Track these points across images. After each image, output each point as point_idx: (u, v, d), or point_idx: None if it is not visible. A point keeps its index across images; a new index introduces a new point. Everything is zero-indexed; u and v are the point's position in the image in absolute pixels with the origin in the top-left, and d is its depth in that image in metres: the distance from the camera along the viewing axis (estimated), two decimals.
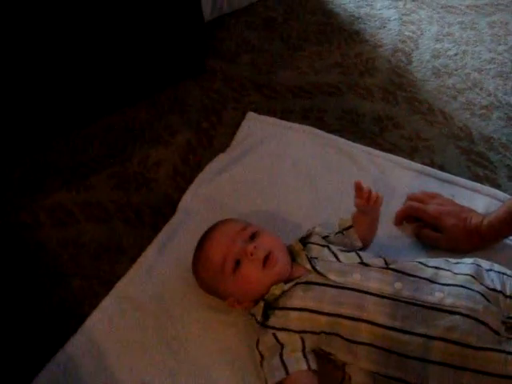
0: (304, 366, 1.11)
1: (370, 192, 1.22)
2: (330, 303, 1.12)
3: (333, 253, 1.21)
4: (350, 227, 1.29)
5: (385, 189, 1.50)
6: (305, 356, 1.12)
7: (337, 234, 1.30)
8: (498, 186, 1.52)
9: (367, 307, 1.10)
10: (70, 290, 1.38)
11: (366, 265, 1.17)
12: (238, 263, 1.18)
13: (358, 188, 1.23)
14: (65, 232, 1.49)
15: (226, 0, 2.04)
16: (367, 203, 1.23)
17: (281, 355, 1.13)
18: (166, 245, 1.43)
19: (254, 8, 2.13)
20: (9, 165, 1.64)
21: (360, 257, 1.20)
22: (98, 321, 1.30)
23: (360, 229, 1.29)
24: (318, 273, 1.17)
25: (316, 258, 1.20)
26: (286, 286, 1.17)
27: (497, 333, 1.05)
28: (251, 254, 1.16)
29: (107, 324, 1.30)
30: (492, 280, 1.13)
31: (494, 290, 1.11)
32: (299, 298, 1.15)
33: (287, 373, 1.10)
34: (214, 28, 2.04)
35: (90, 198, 1.56)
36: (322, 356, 1.17)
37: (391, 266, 1.16)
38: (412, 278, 1.13)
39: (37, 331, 1.32)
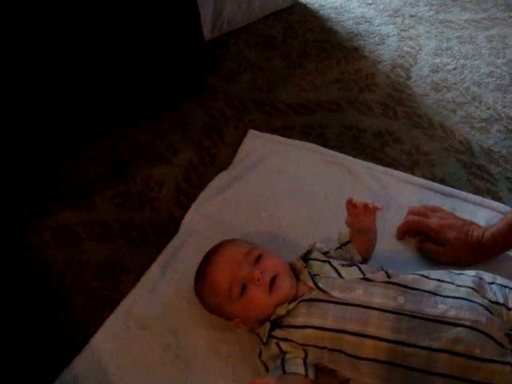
0: (302, 371, 1.12)
1: (364, 205, 1.24)
2: (333, 319, 1.13)
3: (334, 268, 1.22)
4: (349, 242, 1.30)
5: (386, 203, 1.50)
6: (305, 364, 1.13)
7: (337, 249, 1.31)
8: (499, 199, 1.53)
9: (371, 322, 1.10)
10: (74, 309, 1.39)
11: (368, 280, 1.17)
12: (244, 287, 1.18)
13: (351, 205, 1.24)
14: (69, 252, 1.50)
15: (226, 19, 2.06)
16: (365, 216, 1.24)
17: (282, 360, 1.14)
18: (170, 263, 1.44)
19: (253, 27, 2.15)
20: (13, 186, 1.66)
21: (362, 271, 1.20)
22: (102, 339, 1.31)
23: (358, 244, 1.29)
24: (321, 290, 1.17)
25: (318, 275, 1.21)
26: (291, 306, 1.17)
27: (501, 345, 1.05)
28: (258, 280, 1.17)
29: (112, 342, 1.31)
30: (494, 293, 1.13)
31: (496, 302, 1.11)
32: (303, 315, 1.16)
33: (283, 372, 1.11)
34: (214, 47, 2.06)
35: (93, 217, 1.57)
36: (326, 370, 1.17)
37: (393, 280, 1.16)
38: (414, 292, 1.13)
39: (42, 350, 1.33)
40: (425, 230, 1.39)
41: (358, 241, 1.29)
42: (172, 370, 1.26)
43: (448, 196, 1.52)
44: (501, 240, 1.29)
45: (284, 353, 1.15)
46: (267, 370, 1.17)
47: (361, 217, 1.25)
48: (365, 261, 1.31)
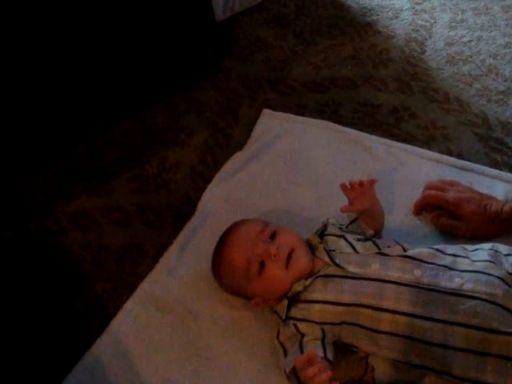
0: (320, 353, 1.11)
1: (360, 184, 1.24)
2: (350, 294, 1.13)
3: (349, 243, 1.22)
4: (356, 219, 1.30)
5: (403, 179, 1.51)
6: (323, 345, 1.13)
7: (348, 225, 1.31)
8: None
9: (388, 296, 1.10)
10: (94, 292, 1.41)
11: (384, 254, 1.17)
12: (262, 265, 1.19)
13: (348, 190, 1.25)
14: (87, 236, 1.52)
15: None
16: (364, 196, 1.25)
17: (300, 343, 1.14)
18: (187, 244, 1.44)
19: (265, 5, 2.12)
20: (30, 172, 1.67)
21: (377, 246, 1.20)
22: (122, 322, 1.33)
23: (365, 220, 1.29)
24: (337, 265, 1.17)
25: (334, 251, 1.21)
26: (308, 282, 1.17)
27: None
28: (274, 256, 1.18)
29: (132, 325, 1.32)
30: (511, 264, 1.12)
31: None
32: (320, 291, 1.16)
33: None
34: (226, 28, 2.04)
35: (110, 201, 1.58)
36: (344, 348, 1.18)
37: (409, 254, 1.16)
38: (431, 265, 1.13)
39: (64, 334, 1.35)
40: (442, 203, 1.38)
41: (365, 218, 1.29)
42: (191, 350, 1.27)
43: (465, 170, 1.51)
44: None
45: (302, 335, 1.15)
46: (285, 351, 1.17)
47: (361, 198, 1.25)
48: (378, 234, 1.31)
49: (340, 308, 1.13)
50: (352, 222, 1.31)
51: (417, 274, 1.12)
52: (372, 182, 1.25)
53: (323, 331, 1.15)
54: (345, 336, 1.15)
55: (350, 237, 1.24)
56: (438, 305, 1.08)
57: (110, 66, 1.66)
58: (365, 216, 1.29)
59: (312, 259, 1.21)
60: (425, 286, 1.10)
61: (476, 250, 1.18)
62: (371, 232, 1.29)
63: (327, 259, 1.19)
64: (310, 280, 1.17)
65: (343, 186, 1.24)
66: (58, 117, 1.66)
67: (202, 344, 1.28)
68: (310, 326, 1.16)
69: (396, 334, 1.09)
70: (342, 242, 1.23)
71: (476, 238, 1.31)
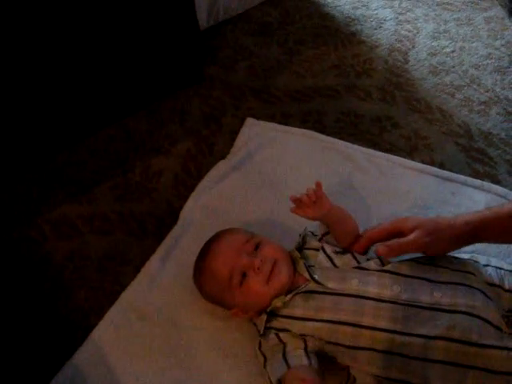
0: (305, 362, 1.11)
1: (309, 195, 1.21)
2: (329, 311, 1.13)
3: (328, 257, 1.22)
4: (328, 233, 1.29)
5: (385, 189, 1.51)
6: (306, 354, 1.13)
7: (321, 239, 1.30)
8: (498, 182, 1.53)
9: (367, 312, 1.11)
10: (75, 301, 1.40)
11: (363, 268, 1.17)
12: (243, 276, 1.18)
13: (298, 202, 1.22)
14: (69, 244, 1.50)
15: (222, 7, 2.05)
16: (314, 205, 1.21)
17: (283, 353, 1.14)
18: (169, 254, 1.44)
19: (250, 14, 2.13)
20: (12, 180, 1.65)
21: (356, 259, 1.20)
22: (104, 331, 1.32)
23: (335, 234, 1.27)
24: (316, 282, 1.17)
25: (313, 266, 1.21)
26: (287, 298, 1.17)
27: (498, 328, 1.05)
28: (258, 268, 1.17)
29: (113, 334, 1.31)
30: (490, 275, 1.13)
31: (492, 284, 1.11)
32: (300, 307, 1.16)
33: (288, 367, 1.11)
34: (210, 36, 2.05)
35: (93, 209, 1.58)
36: (326, 357, 1.17)
37: (388, 268, 1.16)
38: (409, 279, 1.13)
39: (44, 343, 1.33)
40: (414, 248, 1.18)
41: (333, 230, 1.27)
42: (173, 360, 1.26)
43: (447, 180, 1.52)
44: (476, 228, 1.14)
45: (284, 344, 1.15)
46: (265, 360, 1.17)
47: (312, 207, 1.21)
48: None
49: (320, 324, 1.13)
50: (323, 235, 1.29)
51: (396, 289, 1.12)
52: (317, 188, 1.21)
53: (304, 340, 1.15)
54: (324, 349, 1.15)
55: (328, 248, 1.24)
56: (418, 320, 1.08)
57: (94, 74, 1.65)
58: (332, 229, 1.27)
59: (293, 273, 1.21)
60: (403, 302, 1.10)
61: (455, 259, 1.19)
62: (341, 247, 1.25)
63: (307, 275, 1.19)
64: (289, 296, 1.17)
65: (294, 199, 1.22)
66: (41, 124, 1.65)
67: (184, 353, 1.27)
68: (291, 335, 1.16)
69: (376, 349, 1.09)
70: (321, 255, 1.22)
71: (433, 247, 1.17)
